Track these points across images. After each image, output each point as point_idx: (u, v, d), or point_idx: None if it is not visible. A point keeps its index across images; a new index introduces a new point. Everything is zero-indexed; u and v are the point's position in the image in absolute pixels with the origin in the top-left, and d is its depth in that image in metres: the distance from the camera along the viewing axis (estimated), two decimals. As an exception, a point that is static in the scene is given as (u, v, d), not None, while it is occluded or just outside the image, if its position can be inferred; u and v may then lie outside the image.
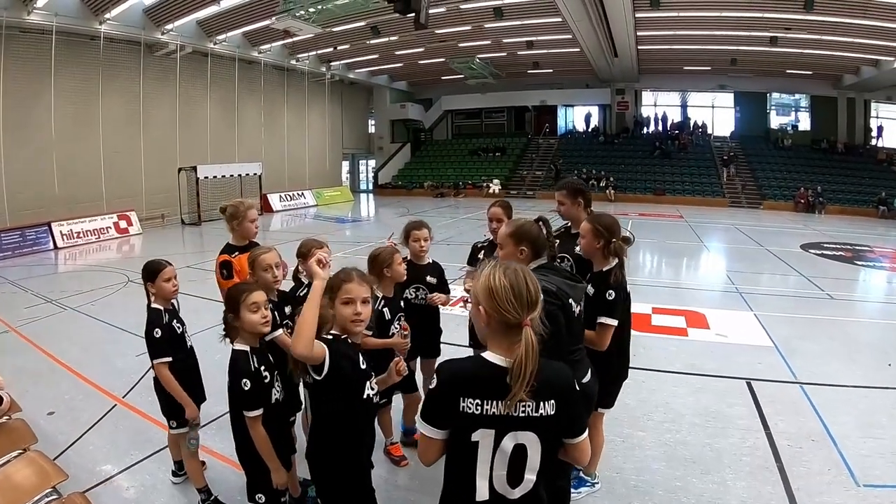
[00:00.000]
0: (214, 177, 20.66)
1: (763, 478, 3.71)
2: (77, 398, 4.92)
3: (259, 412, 2.54)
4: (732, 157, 28.91)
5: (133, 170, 19.11)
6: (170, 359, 3.17)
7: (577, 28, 21.37)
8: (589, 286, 3.10)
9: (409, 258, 4.02)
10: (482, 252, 4.12)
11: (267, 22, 19.88)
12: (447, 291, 4.13)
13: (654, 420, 4.53)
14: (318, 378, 2.17)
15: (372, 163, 36.45)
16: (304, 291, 3.48)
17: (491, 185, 30.42)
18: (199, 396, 3.40)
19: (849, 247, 14.64)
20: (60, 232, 15.22)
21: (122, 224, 17.02)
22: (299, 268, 3.62)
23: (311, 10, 17.98)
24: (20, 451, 2.98)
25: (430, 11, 15.19)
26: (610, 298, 3.07)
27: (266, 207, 23.14)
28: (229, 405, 2.66)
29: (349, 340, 2.27)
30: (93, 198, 17.55)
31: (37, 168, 16.26)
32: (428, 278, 4.03)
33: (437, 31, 22.75)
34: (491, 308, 1.71)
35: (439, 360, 4.36)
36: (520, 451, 1.69)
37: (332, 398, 2.21)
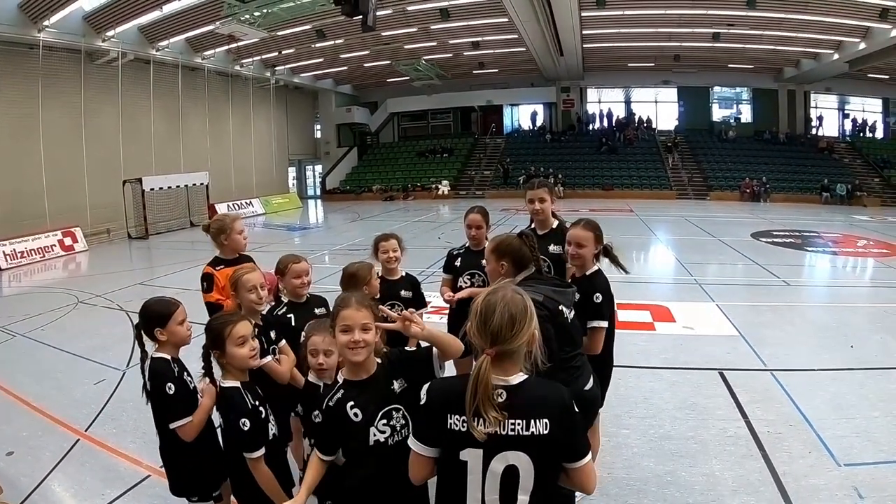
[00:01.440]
0: (161, 188, 19.98)
1: (749, 466, 3.77)
2: (36, 434, 4.57)
3: (262, 452, 2.35)
4: (675, 143, 29.80)
5: (76, 183, 18.28)
6: (190, 419, 2.54)
7: (524, 28, 21.63)
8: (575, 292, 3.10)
9: (379, 273, 3.88)
10: (458, 259, 4.05)
11: (211, 27, 19.50)
12: (424, 304, 4.02)
13: (636, 416, 4.56)
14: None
15: (319, 168, 35.96)
16: (283, 311, 3.34)
17: (440, 186, 30.43)
18: (219, 472, 2.73)
19: (797, 233, 15.21)
20: (3, 252, 14.38)
21: (68, 241, 16.22)
22: (279, 286, 3.45)
23: (257, 13, 17.66)
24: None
25: (377, 13, 15.09)
26: (598, 301, 3.10)
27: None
28: (224, 447, 2.47)
29: (340, 393, 2.09)
30: (35, 214, 16.66)
31: (-25, 185, 15.43)
32: (402, 293, 3.89)
33: (384, 34, 22.60)
34: (469, 327, 1.74)
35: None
36: (511, 473, 1.65)
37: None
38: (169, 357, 2.63)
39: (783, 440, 4.10)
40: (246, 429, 2.31)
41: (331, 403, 2.09)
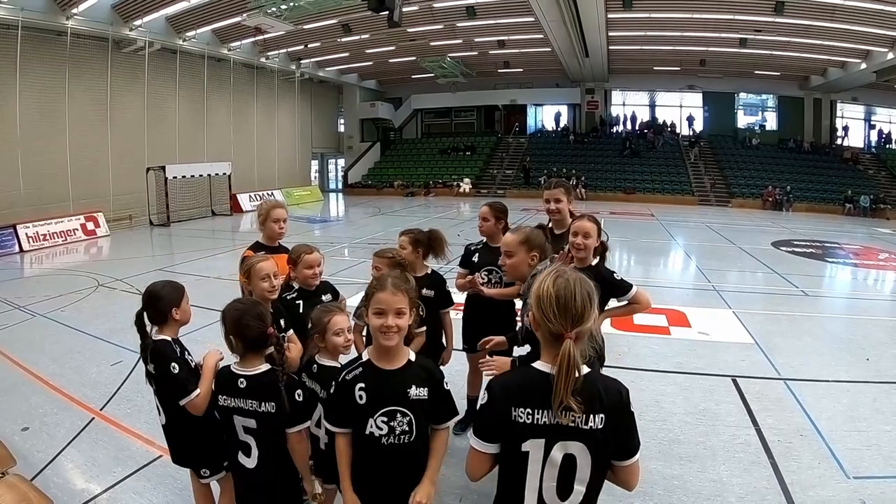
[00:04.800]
0: (183, 177, 20.28)
1: (757, 473, 3.75)
2: (51, 412, 4.67)
3: (308, 423, 2.49)
4: (696, 140, 29.68)
5: (100, 169, 18.62)
6: (198, 391, 2.54)
7: (550, 28, 21.54)
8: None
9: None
10: (475, 255, 4.05)
11: (238, 18, 19.69)
12: (448, 304, 3.84)
13: (646, 419, 4.51)
14: None
15: (341, 162, 36.16)
16: (293, 295, 3.37)
17: (461, 183, 30.48)
18: (222, 451, 2.67)
19: (818, 244, 14.99)
20: (26, 234, 14.67)
21: (90, 226, 16.50)
22: (290, 274, 3.47)
23: (283, 6, 17.80)
24: (-1, 475, 2.69)
25: (403, 10, 15.12)
26: (619, 278, 3.27)
27: (236, 208, 22.78)
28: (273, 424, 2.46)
29: (358, 371, 2.16)
30: (59, 199, 17.02)
31: (1, 167, 15.76)
32: (423, 291, 3.58)
33: (409, 30, 22.70)
34: (538, 315, 1.69)
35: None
36: (569, 462, 1.67)
37: None
38: (170, 338, 2.68)
39: (793, 449, 4.05)
40: (300, 400, 2.44)
41: (347, 377, 2.13)
